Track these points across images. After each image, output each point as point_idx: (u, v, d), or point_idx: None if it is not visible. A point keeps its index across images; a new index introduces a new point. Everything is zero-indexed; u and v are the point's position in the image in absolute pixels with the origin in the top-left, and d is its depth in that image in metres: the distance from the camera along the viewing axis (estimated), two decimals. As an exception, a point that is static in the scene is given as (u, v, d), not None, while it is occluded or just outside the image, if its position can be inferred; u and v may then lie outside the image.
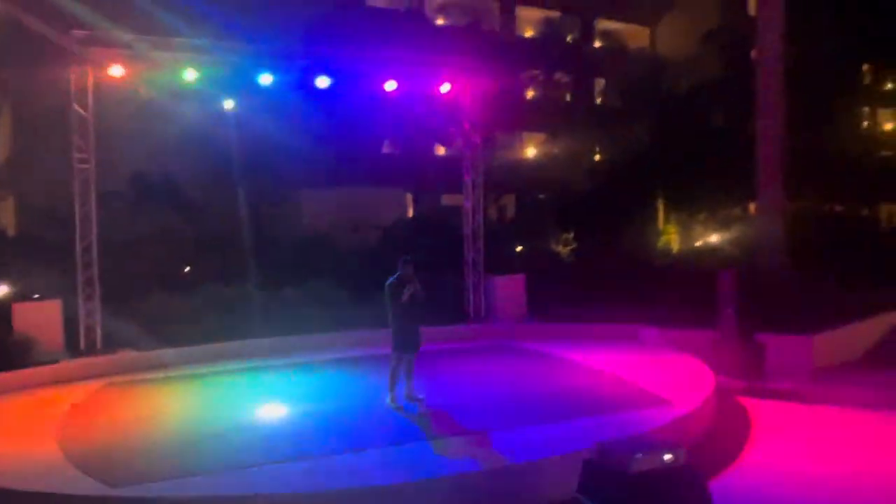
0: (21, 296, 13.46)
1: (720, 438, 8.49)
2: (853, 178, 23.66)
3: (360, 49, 15.28)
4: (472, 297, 15.67)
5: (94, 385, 10.96)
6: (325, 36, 17.27)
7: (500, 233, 20.69)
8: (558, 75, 32.83)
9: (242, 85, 13.71)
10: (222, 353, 12.86)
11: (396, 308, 8.93)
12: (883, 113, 38.56)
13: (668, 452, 4.72)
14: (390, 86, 14.14)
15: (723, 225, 23.45)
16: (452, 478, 6.56)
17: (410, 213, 29.30)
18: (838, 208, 25.60)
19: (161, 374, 11.70)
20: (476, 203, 15.81)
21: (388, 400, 9.05)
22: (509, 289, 15.71)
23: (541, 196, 26.58)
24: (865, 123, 34.72)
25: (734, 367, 11.13)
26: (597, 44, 35.85)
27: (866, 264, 17.40)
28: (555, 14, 34.17)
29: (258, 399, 10.01)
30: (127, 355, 12.55)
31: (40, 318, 12.26)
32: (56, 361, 11.81)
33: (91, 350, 12.61)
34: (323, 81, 13.64)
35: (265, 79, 13.28)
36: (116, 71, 12.44)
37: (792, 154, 15.90)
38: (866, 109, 35.08)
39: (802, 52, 18.87)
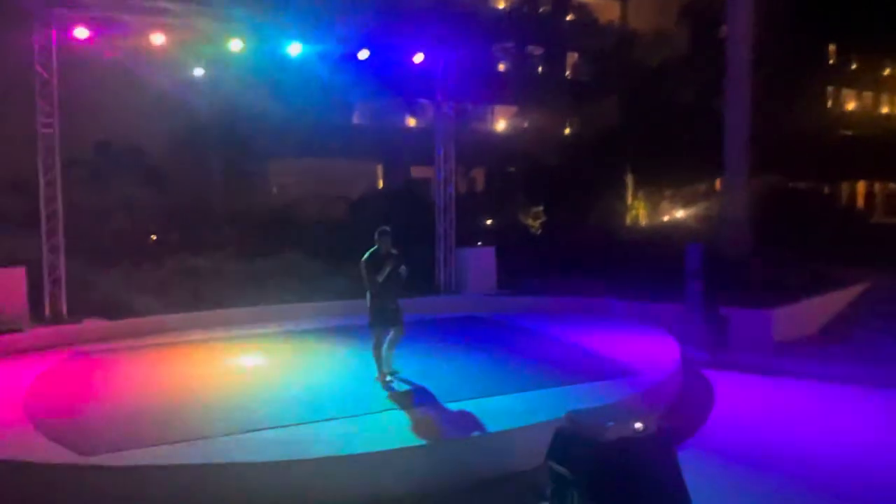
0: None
1: (685, 408, 8.73)
2: (816, 157, 24.14)
3: (332, 16, 15.07)
4: (442, 269, 15.73)
5: (60, 353, 10.82)
6: (297, 2, 16.96)
7: (470, 205, 20.75)
8: (530, 48, 32.75)
9: (213, 52, 13.46)
10: (191, 323, 12.77)
11: (373, 286, 8.63)
12: (847, 93, 39.26)
13: (638, 421, 4.84)
14: (363, 55, 14.00)
15: (689, 200, 23.83)
16: (425, 447, 6.67)
17: (381, 184, 29.20)
18: (801, 186, 26.14)
19: (128, 344, 11.59)
20: (448, 175, 15.81)
21: (376, 376, 8.88)
22: (480, 261, 15.80)
23: (511, 169, 26.65)
24: (829, 103, 35.33)
25: (699, 339, 11.40)
26: (569, 17, 35.78)
27: (826, 241, 17.86)
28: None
29: (228, 369, 10.00)
30: (94, 324, 12.39)
31: (4, 285, 12.00)
32: (20, 329, 11.62)
33: (57, 318, 12.43)
34: (295, 49, 13.46)
35: (235, 45, 13.06)
36: (81, 33, 12.12)
37: (757, 132, 16.16)
38: (830, 89, 35.68)
39: (770, 31, 19.08)
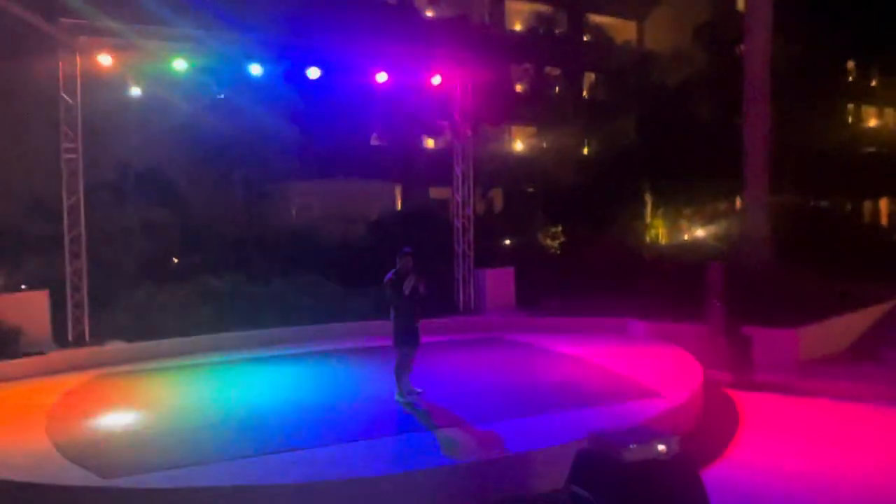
0: (7, 287, 13.35)
1: (708, 431, 8.59)
2: (837, 174, 23.88)
3: (350, 40, 15.24)
4: (461, 289, 15.70)
5: (83, 376, 10.90)
6: (316, 27, 17.19)
7: (489, 226, 20.73)
8: (548, 69, 32.88)
9: (232, 75, 13.63)
10: (212, 345, 12.83)
11: (398, 303, 8.69)
12: (867, 109, 38.91)
13: (661, 442, 4.77)
14: (381, 77, 14.11)
15: (709, 219, 23.64)
16: (445, 469, 6.61)
17: (399, 205, 29.28)
18: (823, 203, 25.85)
19: (150, 366, 11.66)
20: (466, 196, 15.83)
21: (396, 395, 8.91)
22: (499, 281, 15.77)
23: (529, 189, 26.63)
24: (850, 119, 35.03)
25: (722, 359, 11.24)
26: (586, 38, 35.92)
27: (849, 259, 17.60)
28: (544, 8, 34.19)
29: (248, 390, 10.01)
30: (115, 346, 12.48)
31: (27, 308, 12.16)
32: (43, 353, 11.73)
33: (79, 341, 12.53)
34: (313, 72, 13.60)
35: (255, 69, 13.22)
36: (105, 60, 12.34)
37: (777, 149, 16.03)
38: (851, 106, 35.39)
39: (789, 48, 19.01)
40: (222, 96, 14.66)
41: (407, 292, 8.61)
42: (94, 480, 6.39)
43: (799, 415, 9.36)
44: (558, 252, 22.16)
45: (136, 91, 13.55)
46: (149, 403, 9.46)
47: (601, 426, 5.88)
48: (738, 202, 21.05)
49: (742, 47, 17.32)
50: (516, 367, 11.02)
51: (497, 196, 30.94)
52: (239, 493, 6.12)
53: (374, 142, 29.97)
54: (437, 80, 14.73)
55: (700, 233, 23.51)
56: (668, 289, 14.43)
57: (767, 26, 15.49)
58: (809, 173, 21.84)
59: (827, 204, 26.17)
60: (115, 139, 18.10)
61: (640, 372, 10.23)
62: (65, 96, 12.47)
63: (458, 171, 15.84)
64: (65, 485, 6.29)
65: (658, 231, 24.25)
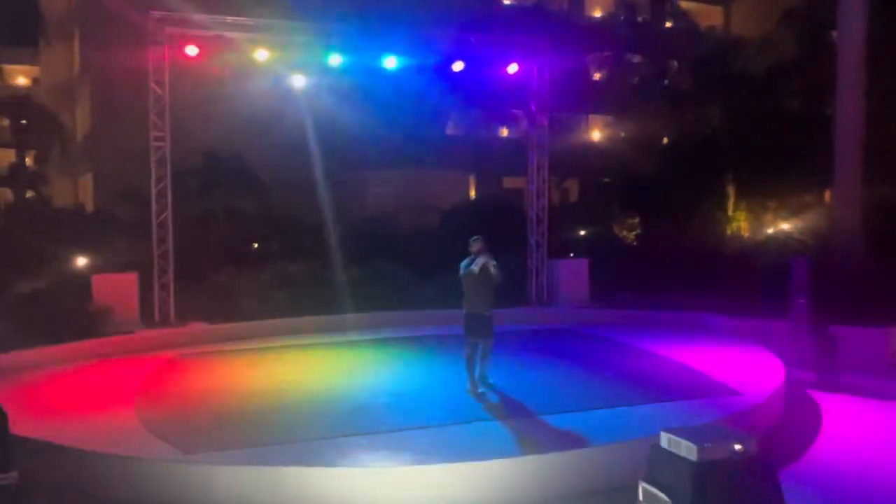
0: (100, 268, 14.03)
1: (789, 432, 8.30)
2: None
3: (428, 29, 15.28)
4: (534, 280, 15.60)
5: (167, 355, 11.37)
6: (394, 16, 17.30)
7: (564, 216, 20.50)
8: (628, 56, 32.14)
9: (312, 65, 13.89)
10: (288, 328, 13.16)
11: (469, 289, 8.72)
12: (972, 97, 36.56)
13: (737, 442, 4.62)
14: (458, 66, 14.11)
15: (795, 212, 22.68)
16: (513, 461, 6.59)
17: (473, 194, 29.28)
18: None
19: (231, 347, 12.05)
20: (541, 186, 15.70)
21: (468, 388, 8.87)
22: (573, 273, 15.60)
23: (605, 180, 26.16)
24: (953, 108, 32.99)
25: (805, 358, 10.83)
26: (668, 24, 34.94)
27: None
28: (625, -7, 33.44)
29: (325, 374, 10.23)
30: (199, 327, 12.96)
31: (118, 290, 12.76)
32: (132, 332, 12.29)
33: (165, 322, 13.07)
34: (390, 62, 13.71)
35: (334, 59, 13.43)
36: (191, 51, 12.78)
37: (872, 140, 15.24)
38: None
39: (885, 33, 17.99)
40: (302, 85, 14.93)
41: (476, 269, 8.60)
42: (176, 455, 6.66)
43: (884, 419, 8.93)
44: (635, 244, 21.72)
45: (220, 81, 13.98)
46: (228, 383, 9.79)
47: (676, 423, 5.74)
48: (828, 195, 20.15)
49: (835, 33, 16.53)
50: (590, 361, 10.89)
51: (572, 186, 30.56)
52: (313, 473, 6.27)
53: (449, 131, 30.04)
54: (513, 68, 14.62)
55: (785, 226, 22.59)
56: (750, 284, 13.95)
57: (863, 10, 14.72)
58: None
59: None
60: (200, 127, 18.73)
61: (718, 369, 9.95)
62: (154, 86, 12.97)
63: (533, 160, 15.71)
64: (149, 458, 6.58)
65: (740, 224, 23.42)
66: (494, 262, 8.73)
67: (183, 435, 7.26)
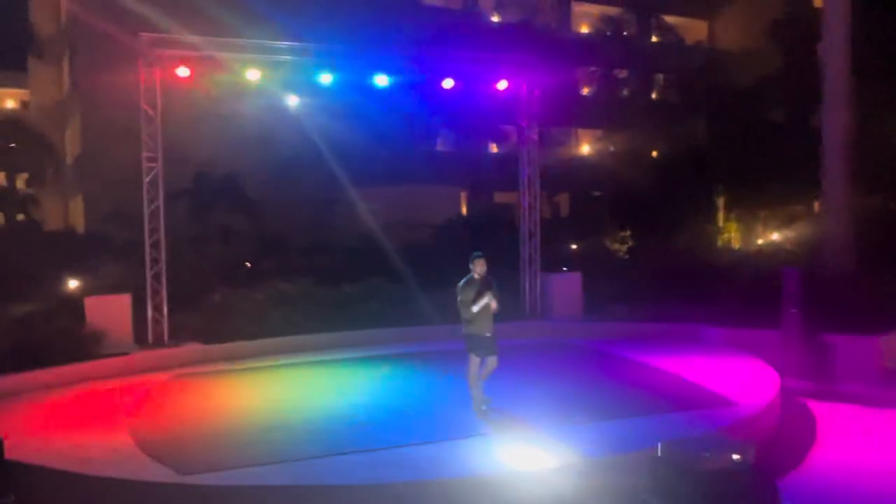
0: (92, 290, 13.96)
1: (785, 441, 8.32)
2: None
3: (417, 48, 15.40)
4: (528, 294, 15.63)
5: (162, 376, 11.31)
6: (383, 35, 17.45)
7: (555, 230, 20.58)
8: (616, 70, 32.45)
9: (302, 84, 13.95)
10: (282, 347, 13.12)
11: (468, 315, 8.50)
12: (956, 106, 36.98)
13: (736, 452, 4.65)
14: (448, 83, 14.21)
15: (785, 223, 22.83)
16: (513, 475, 6.59)
17: (464, 210, 29.37)
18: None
19: (226, 367, 12.01)
20: (532, 200, 15.77)
21: (473, 405, 8.72)
22: (566, 287, 15.62)
23: (596, 193, 26.32)
24: (937, 117, 33.36)
25: (799, 368, 10.88)
26: (654, 39, 35.31)
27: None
28: (612, 9, 33.78)
29: (321, 392, 10.20)
30: (193, 348, 12.91)
31: (111, 311, 12.69)
32: (126, 353, 12.23)
33: (158, 343, 13.02)
34: (381, 80, 13.80)
35: (325, 78, 13.50)
36: (183, 72, 12.82)
37: (858, 150, 15.40)
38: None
39: (870, 45, 18.24)
40: (293, 105, 15.00)
41: (476, 310, 8.39)
42: (172, 477, 6.62)
43: (879, 426, 8.97)
44: (626, 256, 21.81)
45: (211, 102, 14.03)
46: (224, 403, 9.75)
47: (675, 434, 5.77)
48: (817, 205, 20.31)
49: (820, 44, 16.73)
50: (586, 374, 10.90)
51: (563, 200, 30.72)
52: (311, 493, 6.24)
53: (439, 147, 30.17)
54: (502, 84, 14.74)
55: (775, 237, 22.74)
56: (742, 295, 14.03)
57: (847, 21, 14.92)
58: (893, 174, 20.88)
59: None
60: (191, 147, 18.74)
61: (713, 379, 9.98)
62: (146, 107, 13.00)
63: (523, 175, 15.79)
64: (145, 480, 6.54)
65: (731, 235, 23.57)
66: (494, 299, 8.50)
67: (179, 456, 7.22)
